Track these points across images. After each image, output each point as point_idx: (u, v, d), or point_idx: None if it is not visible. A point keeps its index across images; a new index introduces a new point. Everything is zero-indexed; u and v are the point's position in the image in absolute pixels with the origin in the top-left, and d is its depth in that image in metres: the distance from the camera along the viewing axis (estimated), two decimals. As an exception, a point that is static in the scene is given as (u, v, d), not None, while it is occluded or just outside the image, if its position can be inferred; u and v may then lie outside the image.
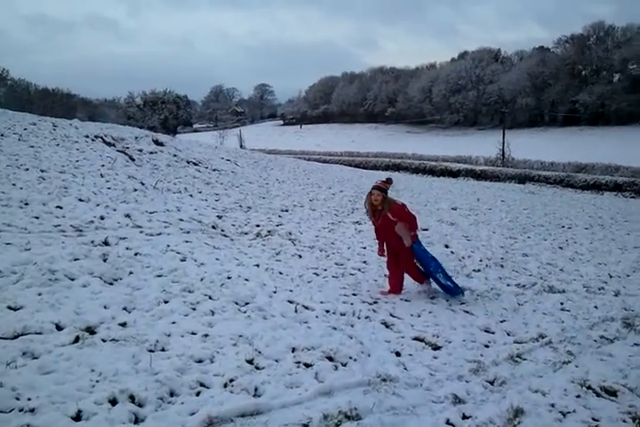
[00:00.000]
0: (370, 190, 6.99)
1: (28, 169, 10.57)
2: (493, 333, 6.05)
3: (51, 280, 5.50)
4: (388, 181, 7.14)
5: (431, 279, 7.23)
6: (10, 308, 4.87)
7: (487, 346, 5.63)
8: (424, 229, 12.23)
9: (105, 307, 5.15)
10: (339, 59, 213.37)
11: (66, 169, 11.32)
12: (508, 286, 8.08)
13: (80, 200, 9.17)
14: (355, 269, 8.13)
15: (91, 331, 4.63)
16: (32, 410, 3.46)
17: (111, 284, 5.79)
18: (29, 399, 3.56)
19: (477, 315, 6.58)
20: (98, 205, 9.05)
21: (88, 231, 7.56)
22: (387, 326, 5.91)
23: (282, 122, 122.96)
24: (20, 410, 3.45)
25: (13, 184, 9.35)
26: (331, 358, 4.80)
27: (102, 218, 8.33)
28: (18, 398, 3.55)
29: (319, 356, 4.78)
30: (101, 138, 15.74)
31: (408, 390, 4.47)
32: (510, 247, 11.45)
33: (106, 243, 7.08)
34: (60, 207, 8.52)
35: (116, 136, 16.58)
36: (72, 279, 5.65)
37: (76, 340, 4.43)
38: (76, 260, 6.20)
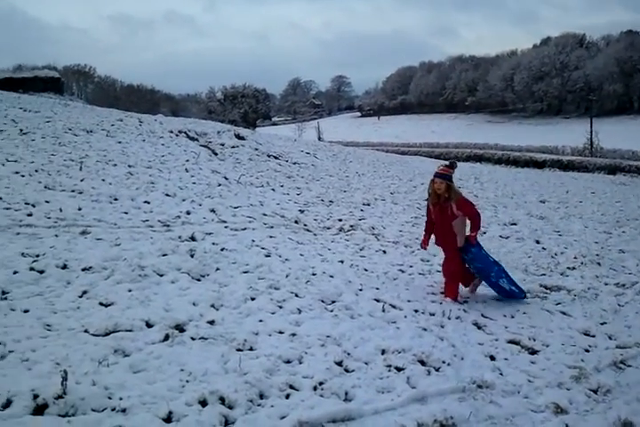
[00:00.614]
0: (432, 177, 6.32)
1: (116, 165, 10.87)
2: (594, 336, 5.69)
3: (140, 276, 5.57)
4: (452, 166, 6.40)
5: (485, 283, 6.64)
6: (101, 304, 4.96)
7: (588, 351, 5.29)
8: (512, 224, 11.79)
9: (193, 304, 5.16)
10: (415, 48, 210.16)
11: (152, 164, 11.57)
12: (607, 285, 7.60)
13: (167, 195, 9.33)
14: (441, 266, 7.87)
15: (180, 329, 4.63)
16: (123, 410, 3.45)
17: (199, 280, 5.82)
18: (121, 399, 3.55)
19: (575, 316, 6.21)
20: (184, 200, 9.18)
21: (175, 226, 7.66)
22: (479, 328, 5.66)
23: (359, 113, 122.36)
24: (113, 409, 3.45)
25: (103, 180, 9.62)
26: (423, 362, 4.62)
27: (188, 213, 8.43)
28: (110, 398, 3.56)
29: (410, 359, 4.61)
30: (185, 133, 16.04)
31: (505, 397, 4.24)
32: (605, 243, 10.82)
33: (193, 238, 7.14)
34: (148, 202, 8.69)
35: (199, 131, 16.88)
36: (161, 275, 5.71)
37: (166, 338, 4.44)
38: (164, 255, 6.27)
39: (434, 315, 5.81)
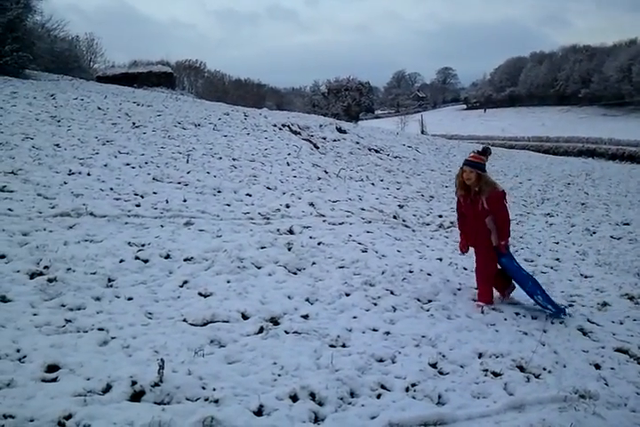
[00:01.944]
0: (461, 166, 5.67)
1: (221, 158, 11.17)
2: None
3: (239, 268, 5.67)
4: (485, 152, 5.76)
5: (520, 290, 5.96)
6: (200, 294, 5.08)
7: None
8: (625, 224, 11.09)
9: (289, 297, 5.19)
10: (523, 38, 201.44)
11: (255, 157, 11.80)
12: None
13: (268, 188, 9.49)
14: (546, 267, 7.53)
15: (274, 322, 4.67)
16: (216, 401, 3.50)
17: (295, 273, 5.85)
18: (214, 390, 3.61)
19: (694, 327, 5.73)
20: (284, 194, 9.29)
21: (274, 219, 7.75)
22: (584, 334, 5.35)
23: (465, 106, 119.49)
24: (206, 400, 3.51)
25: (208, 172, 9.91)
26: (522, 368, 4.41)
27: (288, 206, 8.52)
28: (204, 388, 3.63)
29: (509, 364, 4.41)
30: (288, 127, 16.25)
31: (610, 410, 3.97)
32: None
33: (291, 231, 7.21)
34: (250, 195, 8.86)
35: (301, 125, 17.05)
36: (259, 268, 5.78)
37: (261, 330, 4.49)
38: (262, 248, 6.35)
39: (536, 318, 5.55)
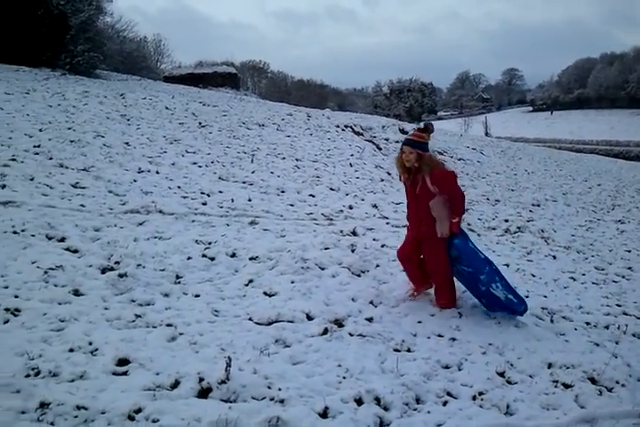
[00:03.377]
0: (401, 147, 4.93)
1: (284, 158, 11.24)
2: None
3: (303, 268, 5.68)
4: (427, 130, 4.87)
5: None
6: (265, 293, 5.11)
7: None
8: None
9: (352, 299, 5.16)
10: (589, 38, 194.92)
11: (318, 158, 11.83)
12: None
13: (331, 189, 9.49)
14: (618, 276, 7.25)
15: (339, 323, 4.65)
16: (282, 401, 3.51)
17: (359, 275, 5.81)
18: (280, 389, 3.62)
19: None
20: (347, 195, 9.27)
21: (338, 220, 7.74)
22: (660, 347, 5.11)
23: (530, 108, 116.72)
24: (272, 399, 3.52)
25: (272, 172, 9.99)
26: (593, 380, 4.25)
27: (351, 207, 8.49)
28: (269, 387, 3.64)
29: (580, 376, 4.25)
30: (351, 127, 16.23)
31: (690, 429, 3.77)
32: None
33: (354, 233, 7.17)
34: (313, 196, 8.88)
35: (364, 125, 16.99)
36: (322, 269, 5.77)
37: (325, 331, 4.47)
38: (326, 249, 6.34)
39: (607, 328, 5.34)
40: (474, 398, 3.85)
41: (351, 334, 4.50)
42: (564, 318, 5.46)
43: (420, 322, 4.87)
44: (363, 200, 9.10)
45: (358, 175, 10.99)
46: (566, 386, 4.13)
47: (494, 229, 8.97)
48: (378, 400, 3.66)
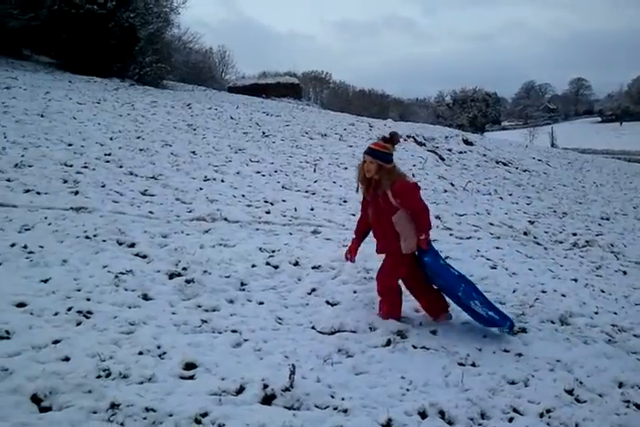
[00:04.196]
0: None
1: (347, 168, 11.27)
2: None
3: (365, 279, 5.68)
4: (391, 140, 4.55)
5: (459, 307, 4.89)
6: (328, 302, 5.13)
7: None
8: None
9: (416, 311, 5.11)
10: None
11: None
12: None
13: (393, 199, 9.44)
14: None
15: (402, 335, 4.61)
16: (345, 411, 3.51)
17: (422, 287, 5.75)
18: (343, 399, 3.63)
19: None
20: (409, 205, 9.20)
21: (400, 231, 7.68)
22: None
23: (599, 119, 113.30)
24: (335, 409, 3.53)
25: (334, 182, 10.05)
26: (668, 403, 4.07)
27: (414, 218, 8.42)
28: (332, 397, 3.65)
29: (654, 397, 4.08)
30: (413, 138, 16.13)
31: None
32: None
33: (417, 244, 7.10)
34: (376, 206, 8.85)
35: (426, 136, 16.87)
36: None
37: (388, 343, 4.45)
38: (388, 260, 6.31)
39: (684, 349, 5.10)
40: (541, 415, 3.76)
41: (415, 347, 4.46)
42: (635, 336, 5.26)
43: (485, 337, 4.78)
44: (425, 211, 9.01)
45: (421, 186, 10.86)
46: (638, 407, 3.98)
47: (561, 242, 8.73)
48: (442, 414, 3.61)
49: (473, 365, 4.32)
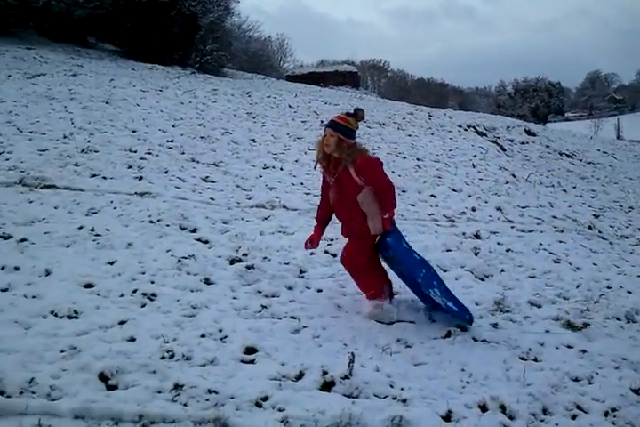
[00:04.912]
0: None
1: (405, 157, 11.18)
2: None
3: (425, 269, 5.61)
4: (357, 116, 4.34)
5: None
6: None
7: None
8: None
9: (476, 304, 5.04)
10: None
11: (440, 158, 11.67)
12: None
13: (453, 190, 9.33)
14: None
15: (462, 327, 4.53)
16: (404, 401, 3.49)
17: (482, 280, 5.67)
18: (402, 389, 3.61)
19: None
20: (470, 196, 9.07)
21: (460, 222, 7.59)
22: None
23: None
24: (394, 398, 3.51)
25: (393, 171, 9.93)
26: None
27: (474, 209, 8.30)
28: (391, 386, 3.64)
29: None
30: (473, 127, 15.87)
31: None
32: None
33: (477, 236, 7.00)
34: (434, 196, 8.77)
35: (487, 126, 16.58)
36: (444, 271, 5.68)
37: (448, 335, 4.40)
38: (448, 251, 6.24)
39: None
40: (606, 414, 3.64)
41: (475, 339, 4.39)
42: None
43: (547, 331, 4.67)
44: (486, 202, 8.86)
45: (481, 177, 10.72)
46: None
47: (627, 237, 8.44)
48: (503, 408, 3.55)
49: (535, 360, 4.23)
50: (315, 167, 4.61)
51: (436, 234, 6.87)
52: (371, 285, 4.59)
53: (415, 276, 4.43)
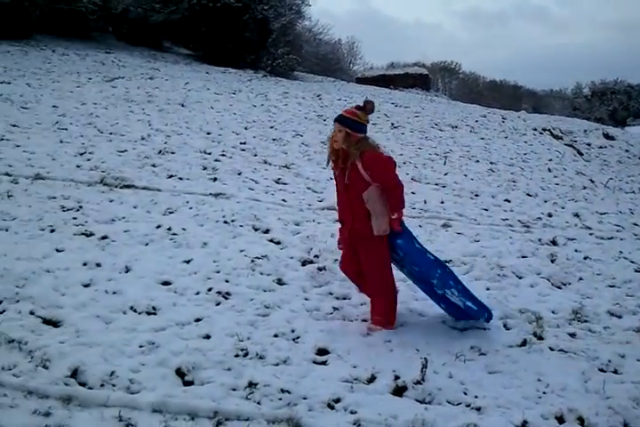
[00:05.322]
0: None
1: (478, 161, 11.00)
2: None
3: (499, 276, 5.51)
4: (365, 108, 4.09)
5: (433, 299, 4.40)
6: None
7: None
8: None
9: (553, 312, 4.88)
10: None
11: (514, 162, 11.43)
12: None
13: (528, 195, 9.11)
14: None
15: (538, 336, 4.42)
16: (478, 409, 3.42)
17: (559, 288, 5.50)
18: (476, 397, 3.54)
19: None
20: (545, 202, 8.83)
21: (535, 228, 7.39)
22: None
23: None
24: (467, 406, 3.44)
25: (465, 175, 9.82)
26: None
27: (550, 215, 8.07)
28: (465, 393, 3.57)
29: None
30: (549, 131, 15.46)
31: None
32: None
33: (554, 242, 6.80)
34: (509, 201, 8.58)
35: (563, 129, 16.13)
36: (519, 277, 5.56)
37: (524, 343, 4.29)
38: (523, 257, 6.10)
39: None
40: (692, 430, 3.47)
41: (552, 349, 4.26)
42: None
43: (628, 343, 4.49)
44: (563, 208, 8.60)
45: (557, 181, 10.41)
46: None
47: None
48: (581, 421, 3.43)
49: (615, 372, 4.06)
50: (327, 164, 4.43)
51: (510, 240, 6.72)
52: (385, 308, 4.31)
53: (430, 276, 4.22)
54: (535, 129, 15.42)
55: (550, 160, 12.09)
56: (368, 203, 4.03)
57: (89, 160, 7.64)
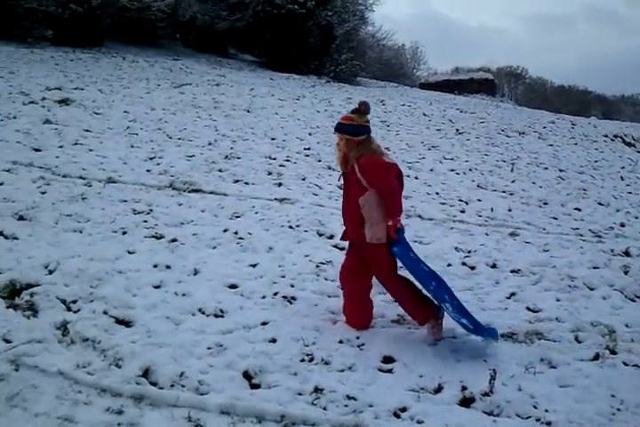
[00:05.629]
0: None
1: (547, 168, 10.73)
2: None
3: (570, 287, 5.34)
4: (359, 110, 3.93)
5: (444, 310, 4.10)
6: (528, 309, 4.88)
7: None
8: None
9: (626, 326, 4.68)
10: None
11: (584, 170, 11.09)
12: None
13: (599, 204, 8.81)
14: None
15: (612, 350, 4.25)
16: (548, 423, 3.32)
17: (633, 300, 5.28)
18: (546, 411, 3.44)
19: None
20: (618, 211, 8.52)
21: (607, 238, 7.13)
22: None
23: None
24: (537, 420, 3.35)
25: (533, 182, 9.59)
26: None
27: (622, 225, 7.77)
28: (535, 407, 3.47)
29: None
30: (621, 138, 14.97)
31: None
32: None
33: (627, 253, 6.54)
34: (579, 210, 8.32)
35: (636, 136, 15.63)
36: (591, 289, 5.37)
37: (596, 357, 4.14)
38: (595, 268, 5.89)
39: None
40: None
41: (626, 364, 4.09)
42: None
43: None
44: (636, 218, 8.26)
45: (630, 190, 10.04)
46: None
47: None
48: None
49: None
50: (339, 179, 4.25)
51: (581, 250, 6.50)
52: (412, 309, 4.23)
53: (425, 287, 4.11)
54: (606, 136, 14.94)
55: (622, 168, 11.68)
56: (364, 209, 3.94)
57: (158, 164, 7.84)
